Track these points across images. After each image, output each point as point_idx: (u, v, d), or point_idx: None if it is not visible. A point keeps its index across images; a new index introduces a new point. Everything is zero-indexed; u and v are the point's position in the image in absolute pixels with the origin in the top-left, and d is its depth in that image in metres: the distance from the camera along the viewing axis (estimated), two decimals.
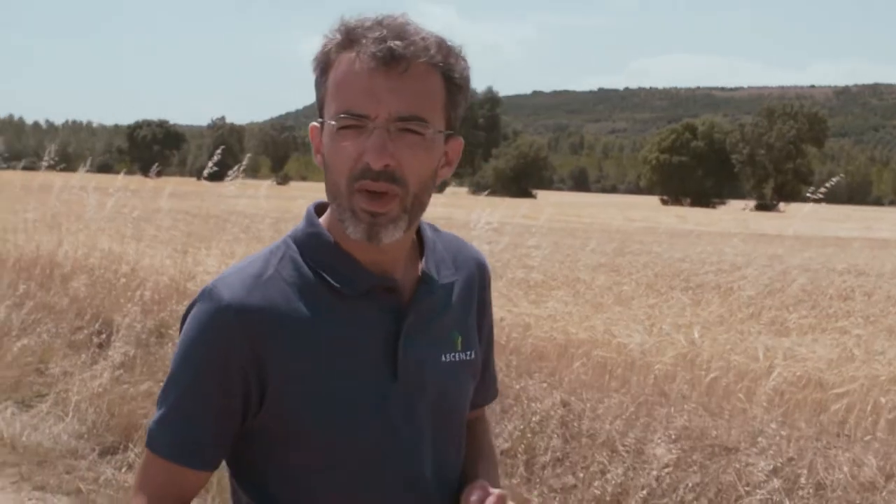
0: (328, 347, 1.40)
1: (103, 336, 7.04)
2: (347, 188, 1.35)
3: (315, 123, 1.42)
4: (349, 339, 1.41)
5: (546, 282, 8.33)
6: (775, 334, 6.76)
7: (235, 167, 9.53)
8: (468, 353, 1.55)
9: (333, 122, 1.35)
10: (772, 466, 4.03)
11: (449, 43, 1.39)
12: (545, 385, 5.31)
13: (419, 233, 1.52)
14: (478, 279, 1.61)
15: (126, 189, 13.34)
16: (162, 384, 1.45)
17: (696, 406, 5.15)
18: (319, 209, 1.50)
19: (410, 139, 1.34)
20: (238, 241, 10.91)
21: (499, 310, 6.60)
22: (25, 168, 17.59)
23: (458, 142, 1.45)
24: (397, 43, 1.32)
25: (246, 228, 14.13)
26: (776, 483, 3.96)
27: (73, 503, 4.74)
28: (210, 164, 10.38)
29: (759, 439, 4.28)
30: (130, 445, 5.32)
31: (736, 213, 64.34)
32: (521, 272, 8.05)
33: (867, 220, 51.72)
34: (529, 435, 4.84)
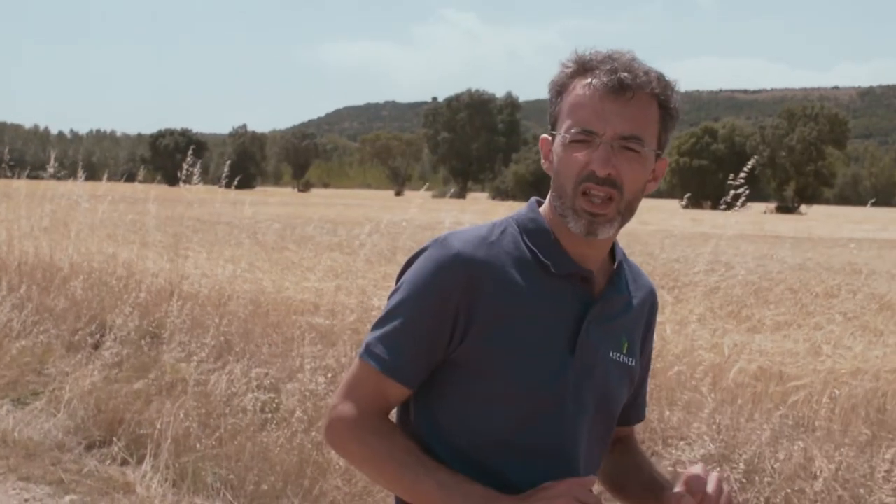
0: (527, 310, 1.62)
1: (98, 337, 7.27)
2: (573, 190, 1.60)
3: (546, 136, 1.69)
4: (545, 310, 1.64)
5: None
6: (749, 331, 6.88)
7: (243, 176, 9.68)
8: (630, 359, 1.75)
9: (567, 135, 1.60)
10: (705, 452, 4.18)
11: (667, 78, 1.63)
12: None
13: (613, 248, 1.75)
14: (649, 304, 1.83)
15: (146, 199, 13.60)
16: (387, 306, 1.68)
17: (659, 398, 5.31)
18: (541, 202, 1.75)
19: (629, 155, 1.58)
20: (240, 246, 11.13)
21: None
22: (51, 177, 17.83)
23: (664, 161, 1.68)
24: (626, 75, 1.57)
25: (252, 234, 14.36)
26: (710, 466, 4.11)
27: (54, 492, 4.94)
28: (224, 173, 10.64)
29: (701, 426, 4.42)
30: (115, 439, 5.52)
31: (755, 216, 63.99)
32: None
33: (885, 221, 51.38)
34: None
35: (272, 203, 43.79)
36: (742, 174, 6.49)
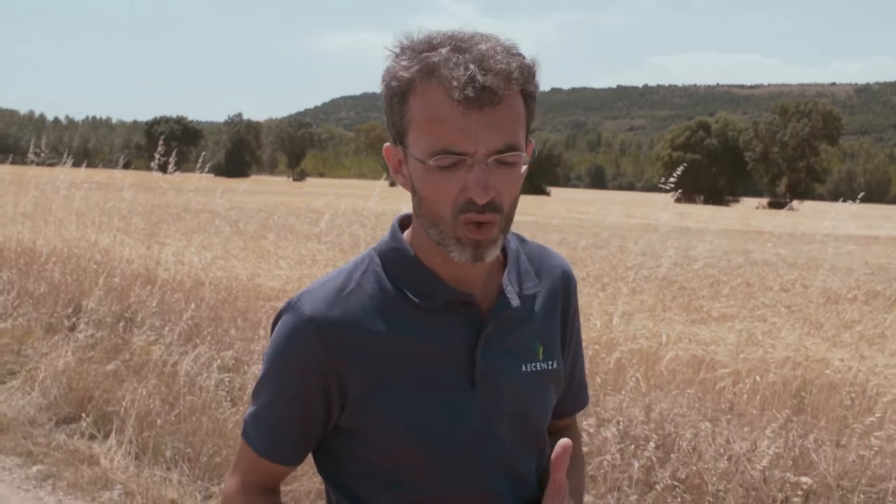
0: (406, 357, 1.46)
1: (74, 320, 7.60)
2: (452, 219, 1.39)
3: (389, 145, 1.47)
4: (427, 350, 1.47)
5: None
6: (694, 322, 7.22)
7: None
8: (550, 363, 1.59)
9: (431, 161, 1.37)
10: (620, 431, 4.51)
11: (524, 58, 1.39)
12: None
13: (503, 245, 1.56)
14: (562, 287, 1.64)
15: (141, 185, 13.89)
16: (258, 377, 1.57)
17: (595, 383, 5.64)
18: (403, 223, 1.55)
19: (506, 170, 1.37)
20: (219, 234, 11.45)
21: None
22: (45, 163, 18.12)
23: (531, 143, 1.48)
24: (487, 78, 1.32)
25: (234, 223, 14.66)
26: (630, 448, 4.45)
27: (23, 463, 5.26)
28: (209, 162, 10.88)
29: (634, 409, 4.76)
30: (84, 416, 5.84)
31: (745, 211, 64.35)
32: None
33: (875, 218, 51.74)
34: None
35: (264, 192, 44.06)
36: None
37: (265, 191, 46.62)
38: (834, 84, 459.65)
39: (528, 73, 1.38)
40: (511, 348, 1.53)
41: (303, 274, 8.80)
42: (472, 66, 1.32)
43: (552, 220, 27.44)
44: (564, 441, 1.45)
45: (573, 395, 1.74)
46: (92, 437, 5.69)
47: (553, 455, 1.46)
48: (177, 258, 9.26)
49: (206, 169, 11.99)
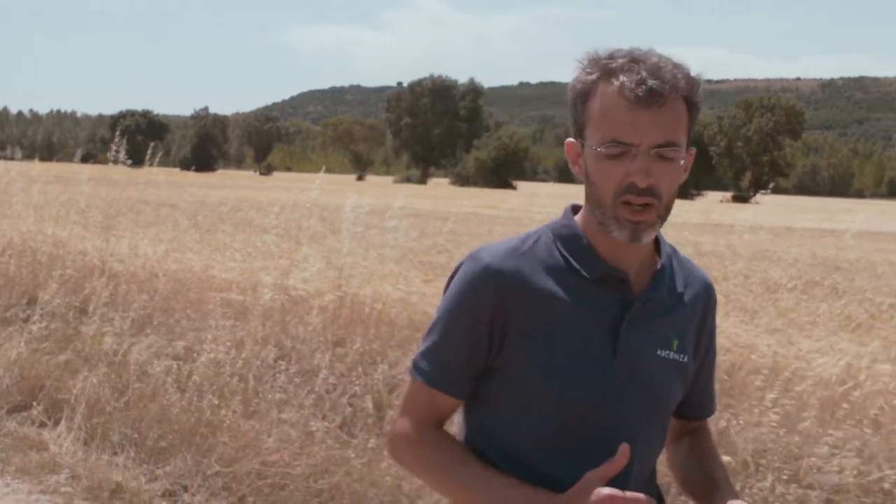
0: (562, 317, 1.66)
1: (28, 312, 7.70)
2: (613, 201, 1.61)
3: (572, 140, 1.69)
4: (581, 315, 1.66)
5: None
6: None
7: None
8: (682, 355, 1.75)
9: (601, 149, 1.60)
10: None
11: (690, 71, 1.62)
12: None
13: (658, 245, 1.76)
14: (703, 299, 1.82)
15: (104, 180, 13.93)
16: (431, 321, 1.78)
17: None
18: (575, 209, 1.77)
19: (666, 163, 1.59)
20: (177, 227, 11.56)
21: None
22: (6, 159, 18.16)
23: (692, 152, 1.69)
24: (656, 83, 1.56)
25: (192, 216, 14.75)
26: None
27: None
28: (161, 157, 10.89)
29: None
30: (35, 404, 5.98)
31: (708, 204, 64.94)
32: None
33: (834, 211, 52.47)
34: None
35: (229, 186, 43.95)
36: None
37: (230, 185, 46.54)
38: (799, 79, 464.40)
39: (692, 84, 1.62)
40: (651, 332, 1.71)
41: (260, 266, 8.93)
42: (643, 73, 1.57)
43: (513, 213, 27.65)
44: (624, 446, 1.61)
45: (705, 400, 1.92)
46: (42, 425, 5.82)
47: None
48: (132, 250, 9.37)
49: (152, 161, 12.01)
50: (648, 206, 1.60)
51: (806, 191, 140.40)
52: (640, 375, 1.68)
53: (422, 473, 1.84)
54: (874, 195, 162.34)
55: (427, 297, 7.14)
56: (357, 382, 5.62)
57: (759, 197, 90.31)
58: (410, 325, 6.58)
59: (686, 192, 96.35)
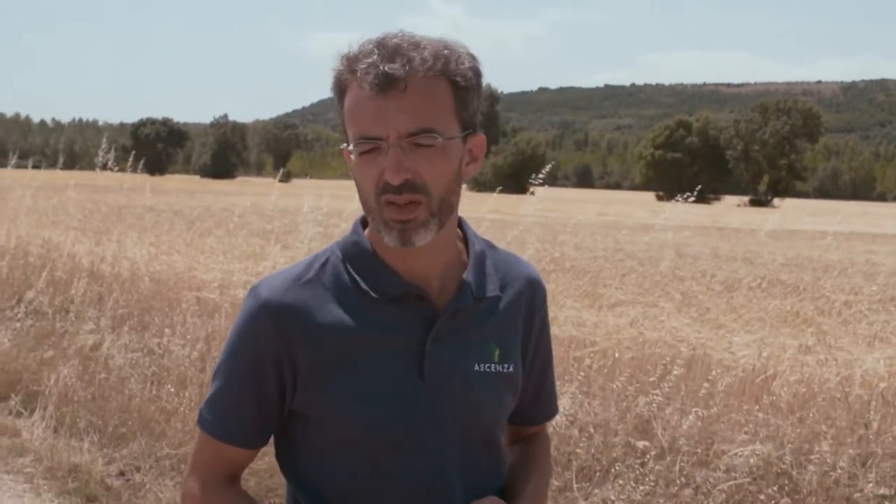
0: (357, 347, 1.51)
1: (17, 310, 8.13)
2: (376, 203, 1.46)
3: (344, 145, 1.53)
4: (378, 340, 1.52)
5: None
6: (589, 307, 7.77)
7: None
8: (505, 365, 1.59)
9: (354, 148, 1.47)
10: None
11: (448, 48, 1.45)
12: None
13: (468, 247, 1.61)
14: (527, 296, 1.66)
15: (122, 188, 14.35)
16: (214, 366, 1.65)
17: None
18: (366, 221, 1.59)
19: (424, 151, 1.43)
20: (170, 231, 11.99)
21: None
22: (33, 167, 18.58)
23: (480, 138, 1.53)
24: (391, 66, 1.40)
25: (191, 222, 15.16)
26: None
27: None
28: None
29: None
30: (13, 395, 6.38)
31: (721, 209, 64.93)
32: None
33: (849, 215, 52.40)
34: None
35: (241, 193, 44.45)
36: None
37: (244, 192, 47.06)
38: (820, 82, 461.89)
39: (445, 60, 1.44)
40: (465, 346, 1.56)
41: (240, 267, 9.33)
42: (376, 58, 1.42)
43: (521, 218, 27.95)
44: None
45: (543, 403, 1.77)
46: (19, 415, 6.22)
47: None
48: (121, 253, 9.78)
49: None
50: (414, 203, 1.44)
51: (827, 194, 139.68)
52: (454, 396, 1.55)
53: None
54: None
55: None
56: None
57: (777, 201, 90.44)
58: None
59: (703, 196, 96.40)
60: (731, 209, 63.04)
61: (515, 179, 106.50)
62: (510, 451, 1.76)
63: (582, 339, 6.47)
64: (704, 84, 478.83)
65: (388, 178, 1.43)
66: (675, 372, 5.34)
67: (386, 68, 1.40)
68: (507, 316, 1.62)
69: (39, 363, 6.76)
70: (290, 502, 1.64)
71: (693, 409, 5.29)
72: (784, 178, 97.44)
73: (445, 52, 1.44)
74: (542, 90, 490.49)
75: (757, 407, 5.17)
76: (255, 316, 1.53)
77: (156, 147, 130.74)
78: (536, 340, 1.69)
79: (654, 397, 5.43)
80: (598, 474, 5.12)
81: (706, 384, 5.32)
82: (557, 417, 5.37)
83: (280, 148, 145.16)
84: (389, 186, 1.43)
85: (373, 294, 1.52)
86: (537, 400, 1.75)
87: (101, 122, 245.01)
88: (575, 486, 4.92)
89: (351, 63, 1.45)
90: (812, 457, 4.75)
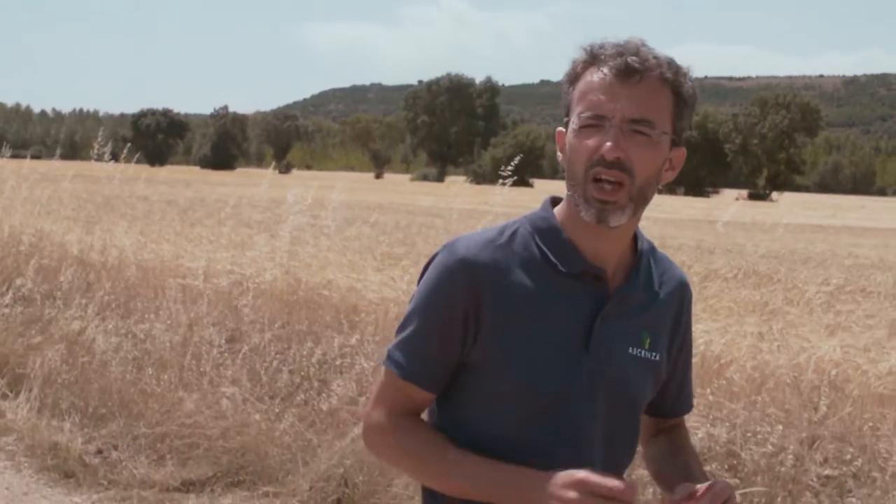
0: (535, 311, 1.64)
1: (5, 298, 8.34)
2: (584, 176, 1.59)
3: (561, 128, 1.68)
4: (555, 309, 1.65)
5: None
6: None
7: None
8: (654, 354, 1.74)
9: (576, 121, 1.60)
10: None
11: (678, 64, 1.63)
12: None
13: (636, 240, 1.74)
14: (678, 297, 1.81)
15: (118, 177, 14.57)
16: (405, 313, 1.75)
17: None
18: (555, 201, 1.75)
19: (639, 138, 1.57)
20: (162, 221, 12.18)
21: None
22: (33, 157, 18.78)
23: (682, 151, 1.67)
24: (633, 59, 1.57)
25: (184, 212, 15.35)
26: None
27: None
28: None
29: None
30: None
31: (718, 202, 65.13)
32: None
33: (844, 209, 52.63)
34: None
35: (238, 184, 44.65)
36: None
37: (241, 182, 47.28)
38: (822, 76, 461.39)
39: (676, 70, 1.61)
40: (624, 329, 1.70)
41: (225, 256, 9.52)
42: (625, 51, 1.60)
43: (513, 209, 28.16)
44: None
45: (682, 398, 1.92)
46: (4, 397, 6.44)
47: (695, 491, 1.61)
48: (110, 242, 9.98)
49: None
50: (619, 185, 1.58)
51: (828, 188, 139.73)
52: (610, 372, 1.68)
53: (398, 462, 1.82)
54: None
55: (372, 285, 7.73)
56: (292, 361, 6.19)
57: (775, 195, 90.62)
58: (353, 309, 7.11)
59: (701, 190, 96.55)
60: (727, 203, 63.15)
61: (514, 172, 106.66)
62: (654, 442, 1.93)
63: None
64: (706, 77, 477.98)
65: (604, 152, 1.57)
66: None
67: (629, 59, 1.57)
68: (661, 311, 1.77)
69: (26, 348, 6.97)
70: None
71: None
72: (783, 172, 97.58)
73: (676, 66, 1.62)
74: (544, 83, 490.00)
75: (708, 391, 5.36)
76: (452, 269, 1.66)
77: (156, 138, 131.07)
78: (682, 338, 1.85)
79: None
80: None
81: None
82: None
83: (280, 139, 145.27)
84: (603, 160, 1.57)
85: (560, 267, 1.66)
86: (680, 393, 1.91)
87: (101, 113, 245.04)
88: None
89: (595, 54, 1.62)
90: (759, 437, 4.95)
